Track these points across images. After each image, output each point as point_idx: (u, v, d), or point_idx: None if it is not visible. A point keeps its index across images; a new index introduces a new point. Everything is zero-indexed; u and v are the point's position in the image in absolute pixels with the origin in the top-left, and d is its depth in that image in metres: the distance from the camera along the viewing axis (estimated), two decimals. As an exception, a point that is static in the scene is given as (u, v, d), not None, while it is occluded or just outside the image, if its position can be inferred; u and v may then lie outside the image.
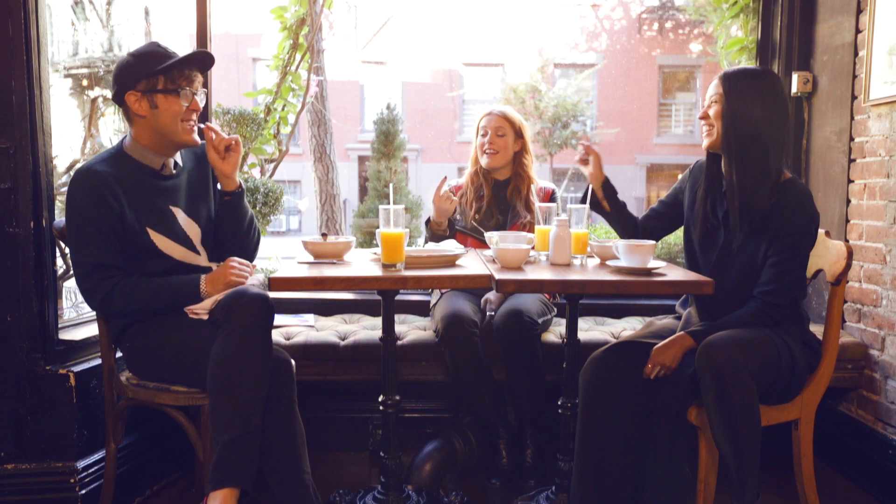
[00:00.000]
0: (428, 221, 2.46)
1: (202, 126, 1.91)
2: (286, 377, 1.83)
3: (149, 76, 1.79)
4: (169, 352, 1.84)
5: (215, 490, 1.64)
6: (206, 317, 1.83)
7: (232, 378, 1.69)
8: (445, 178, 2.34)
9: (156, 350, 1.85)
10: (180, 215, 1.92)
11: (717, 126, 1.87)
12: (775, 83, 1.85)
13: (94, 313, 1.93)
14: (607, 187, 2.14)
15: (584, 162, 2.15)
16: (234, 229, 1.98)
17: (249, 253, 2.04)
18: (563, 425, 1.99)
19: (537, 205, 1.99)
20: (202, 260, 1.97)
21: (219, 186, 1.97)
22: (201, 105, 1.86)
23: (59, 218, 1.98)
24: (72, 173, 1.78)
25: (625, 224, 2.16)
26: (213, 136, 1.89)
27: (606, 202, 2.14)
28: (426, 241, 2.48)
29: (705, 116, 1.91)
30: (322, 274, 1.68)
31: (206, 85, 2.01)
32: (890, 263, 2.24)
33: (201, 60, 1.87)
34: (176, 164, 1.94)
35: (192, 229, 1.94)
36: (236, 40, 12.92)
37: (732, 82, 1.85)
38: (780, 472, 2.32)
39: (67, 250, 2.42)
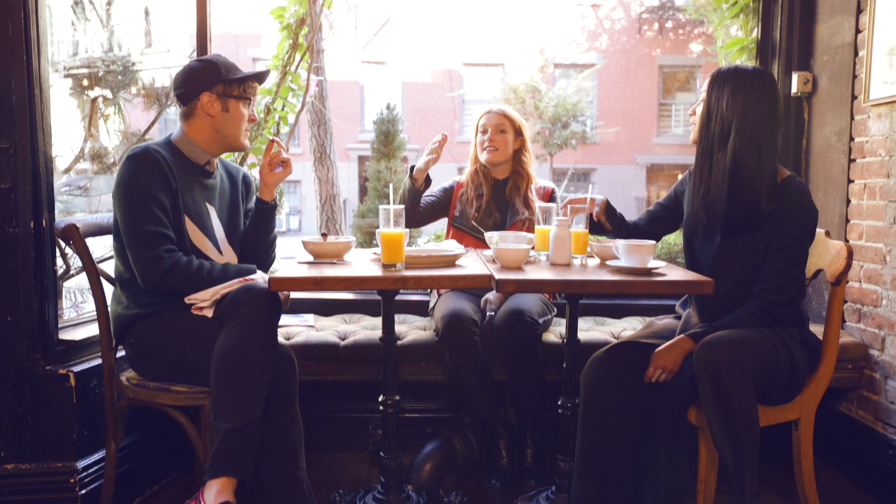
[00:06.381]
0: (412, 170, 2.45)
1: (270, 138, 2.07)
2: (288, 372, 1.85)
3: (227, 82, 1.94)
4: (172, 348, 1.85)
5: (213, 479, 1.64)
6: (209, 314, 1.84)
7: (236, 369, 1.70)
8: (445, 137, 2.40)
9: (159, 346, 1.86)
10: (213, 214, 2.00)
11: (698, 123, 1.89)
12: (761, 80, 1.83)
13: (94, 313, 1.93)
14: (609, 211, 2.12)
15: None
16: (260, 238, 2.08)
17: (264, 268, 2.12)
18: (563, 425, 1.99)
19: (537, 204, 1.99)
20: (225, 260, 2.00)
21: (257, 194, 2.10)
22: (256, 117, 2.02)
23: (60, 218, 1.98)
24: (124, 155, 1.90)
25: (628, 234, 2.15)
26: (275, 148, 2.03)
27: (609, 223, 2.13)
28: (405, 191, 2.46)
29: (693, 114, 1.94)
30: (322, 274, 1.68)
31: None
32: (890, 263, 2.24)
33: (263, 77, 2.09)
34: (217, 164, 2.04)
35: (219, 231, 2.01)
36: (236, 40, 12.90)
37: (716, 79, 1.85)
38: (780, 472, 2.33)
39: (68, 250, 2.41)
